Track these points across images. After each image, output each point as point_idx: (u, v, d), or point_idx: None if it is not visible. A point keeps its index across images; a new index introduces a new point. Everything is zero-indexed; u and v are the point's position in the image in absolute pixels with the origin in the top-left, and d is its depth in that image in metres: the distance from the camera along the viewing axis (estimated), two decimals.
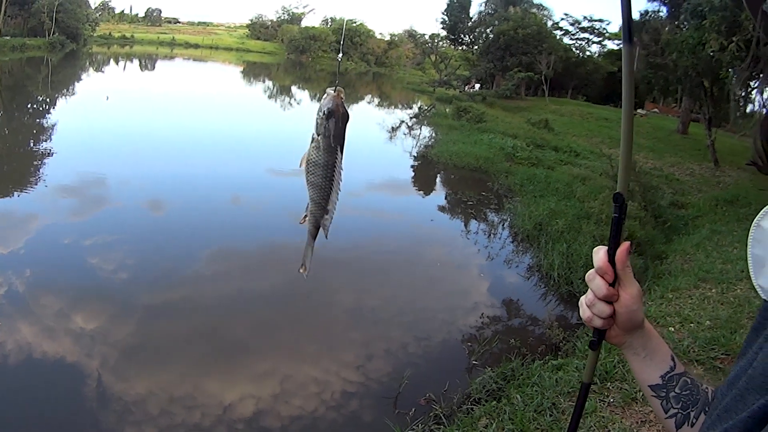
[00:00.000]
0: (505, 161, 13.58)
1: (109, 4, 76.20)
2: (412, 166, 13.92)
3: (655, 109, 39.23)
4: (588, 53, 47.64)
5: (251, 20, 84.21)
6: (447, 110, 25.04)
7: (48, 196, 7.59)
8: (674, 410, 0.73)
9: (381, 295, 5.90)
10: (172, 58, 54.60)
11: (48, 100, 18.78)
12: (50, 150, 10.61)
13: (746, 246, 0.60)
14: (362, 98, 34.53)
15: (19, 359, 3.87)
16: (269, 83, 39.25)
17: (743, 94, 12.69)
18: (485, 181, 11.90)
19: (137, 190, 8.31)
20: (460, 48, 49.49)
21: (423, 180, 12.65)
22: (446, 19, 47.33)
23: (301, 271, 0.88)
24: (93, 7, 60.37)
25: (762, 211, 0.58)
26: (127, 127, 13.48)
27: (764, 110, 0.60)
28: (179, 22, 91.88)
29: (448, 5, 47.19)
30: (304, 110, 23.33)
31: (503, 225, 9.04)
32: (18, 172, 9.00)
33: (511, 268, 7.14)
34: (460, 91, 37.31)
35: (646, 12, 23.87)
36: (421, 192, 11.51)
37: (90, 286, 5.15)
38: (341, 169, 0.78)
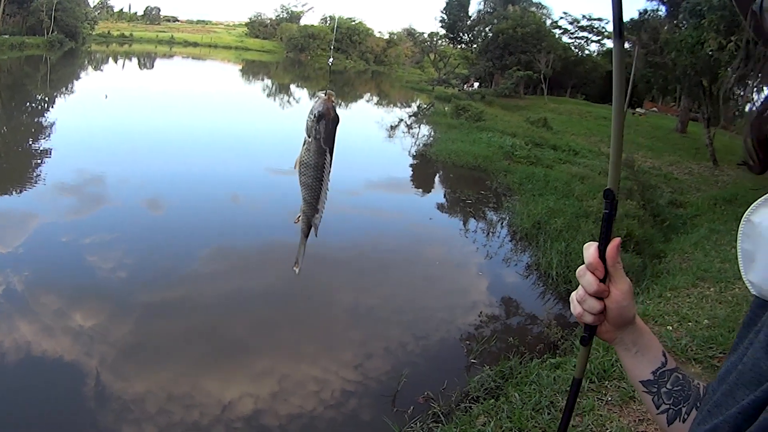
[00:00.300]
0: (504, 160, 13.56)
1: (108, 2, 76.15)
2: (411, 165, 13.89)
3: (654, 108, 39.23)
4: (587, 52, 47.76)
5: (250, 18, 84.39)
6: (446, 109, 25.02)
7: (47, 194, 7.58)
8: (666, 406, 0.73)
9: (379, 294, 5.89)
10: (170, 56, 54.51)
11: (47, 98, 18.72)
12: (49, 148, 10.60)
13: (736, 241, 0.60)
14: (361, 97, 34.52)
15: (18, 358, 3.87)
16: (268, 82, 39.19)
17: (741, 93, 12.70)
18: (484, 179, 11.89)
19: (136, 189, 8.29)
20: (459, 46, 49.57)
21: (422, 179, 12.64)
22: (445, 17, 47.44)
23: (294, 268, 0.90)
24: (92, 6, 60.45)
25: (752, 206, 0.58)
26: (125, 125, 13.45)
27: (754, 109, 0.60)
28: (178, 21, 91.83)
29: (447, 4, 47.31)
30: (303, 109, 23.22)
31: (502, 224, 9.03)
32: (17, 171, 8.99)
33: (510, 266, 7.14)
34: (459, 90, 37.34)
35: (645, 11, 23.95)
36: (420, 191, 11.50)
37: (89, 285, 5.14)
38: (330, 169, 0.81)
